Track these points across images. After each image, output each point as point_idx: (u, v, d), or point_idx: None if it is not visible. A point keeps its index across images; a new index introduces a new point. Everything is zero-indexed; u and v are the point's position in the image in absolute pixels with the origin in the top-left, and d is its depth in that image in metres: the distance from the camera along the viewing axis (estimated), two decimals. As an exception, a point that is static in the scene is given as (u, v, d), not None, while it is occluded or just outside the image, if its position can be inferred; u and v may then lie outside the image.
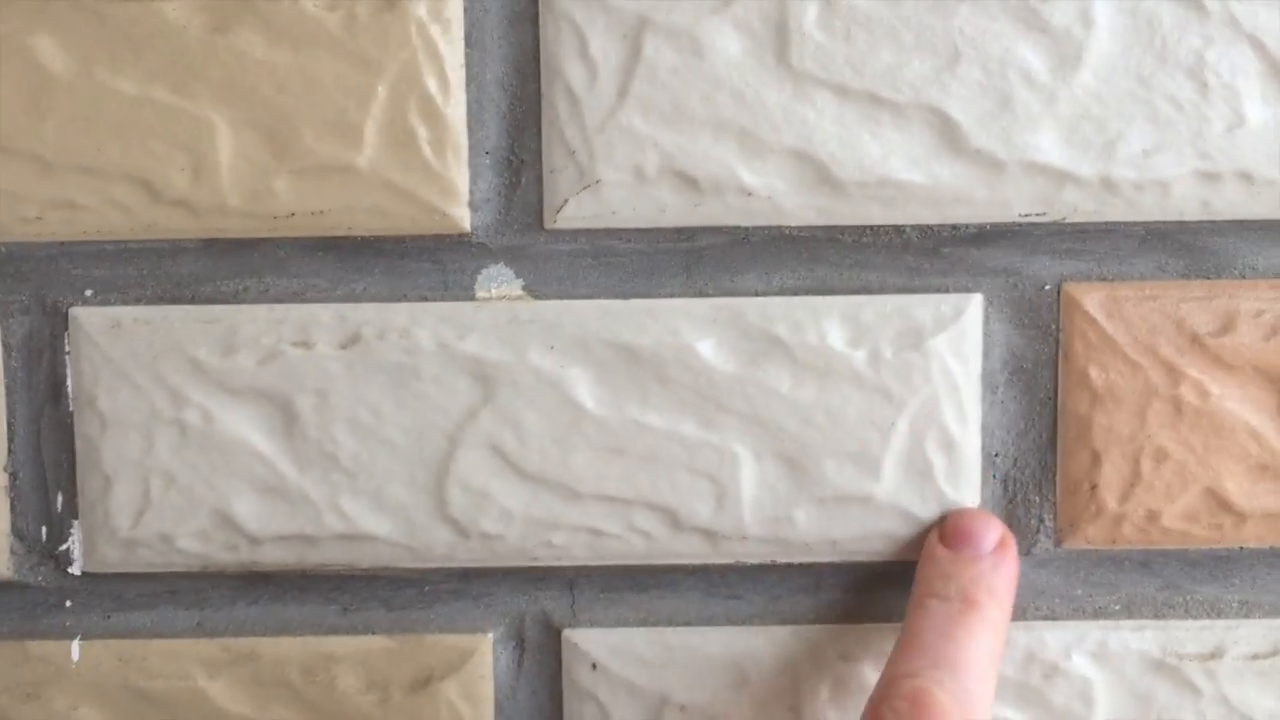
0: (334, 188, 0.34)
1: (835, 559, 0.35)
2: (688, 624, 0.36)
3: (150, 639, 0.36)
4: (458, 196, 0.34)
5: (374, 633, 0.36)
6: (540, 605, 0.36)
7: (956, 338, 0.34)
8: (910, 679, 0.31)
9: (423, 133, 0.34)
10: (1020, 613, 0.35)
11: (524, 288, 0.35)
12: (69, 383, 0.35)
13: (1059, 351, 0.35)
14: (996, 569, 0.34)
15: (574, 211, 0.34)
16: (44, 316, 0.35)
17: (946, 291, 0.35)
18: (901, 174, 0.34)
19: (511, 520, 0.35)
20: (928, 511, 0.35)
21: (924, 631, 0.32)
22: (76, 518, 0.35)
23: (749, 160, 0.34)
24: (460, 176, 0.34)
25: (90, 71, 0.34)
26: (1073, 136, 0.34)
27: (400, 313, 0.35)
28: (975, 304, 0.34)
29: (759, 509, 0.35)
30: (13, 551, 0.35)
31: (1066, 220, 0.34)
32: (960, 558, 0.34)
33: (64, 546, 0.36)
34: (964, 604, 0.33)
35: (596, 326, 0.34)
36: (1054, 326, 0.35)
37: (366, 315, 0.35)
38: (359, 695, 0.35)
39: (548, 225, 0.35)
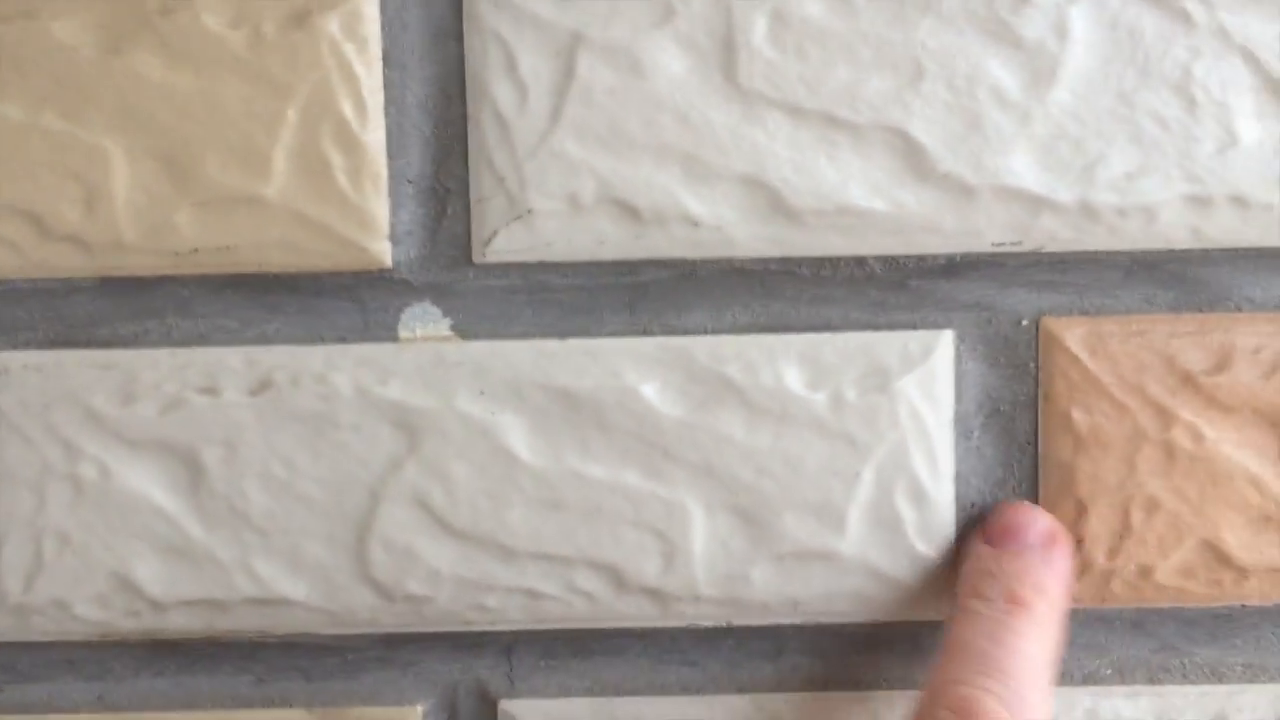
0: (241, 221, 0.34)
1: (797, 620, 0.36)
2: (636, 693, 0.36)
3: (46, 714, 0.36)
4: (378, 229, 0.34)
5: (292, 705, 0.36)
6: (474, 674, 0.36)
7: (926, 378, 0.35)
8: (956, 685, 0.31)
9: (338, 160, 0.34)
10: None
11: (452, 327, 0.35)
12: (-45, 435, 0.35)
13: (1039, 392, 0.35)
14: (1046, 564, 0.34)
15: (504, 244, 0.34)
16: (-74, 362, 0.35)
17: (914, 328, 0.35)
18: (862, 201, 0.34)
19: (440, 581, 0.35)
20: (897, 568, 0.35)
21: (969, 637, 0.33)
22: (-36, 582, 0.35)
23: (695, 187, 0.34)
24: (380, 207, 0.34)
25: (-28, 97, 0.34)
26: (1049, 159, 0.34)
27: (316, 356, 0.35)
28: (946, 341, 0.35)
29: (712, 567, 0.35)
30: (-104, 619, 0.36)
31: (1044, 249, 0.34)
32: (1005, 554, 0.34)
33: (-49, 613, 0.36)
34: (1011, 604, 0.33)
35: (531, 369, 0.35)
36: (1033, 365, 0.35)
37: (279, 359, 0.35)
38: (274, 775, 0.36)
39: (476, 259, 0.35)
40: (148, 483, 0.35)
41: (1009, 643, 0.32)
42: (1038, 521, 0.35)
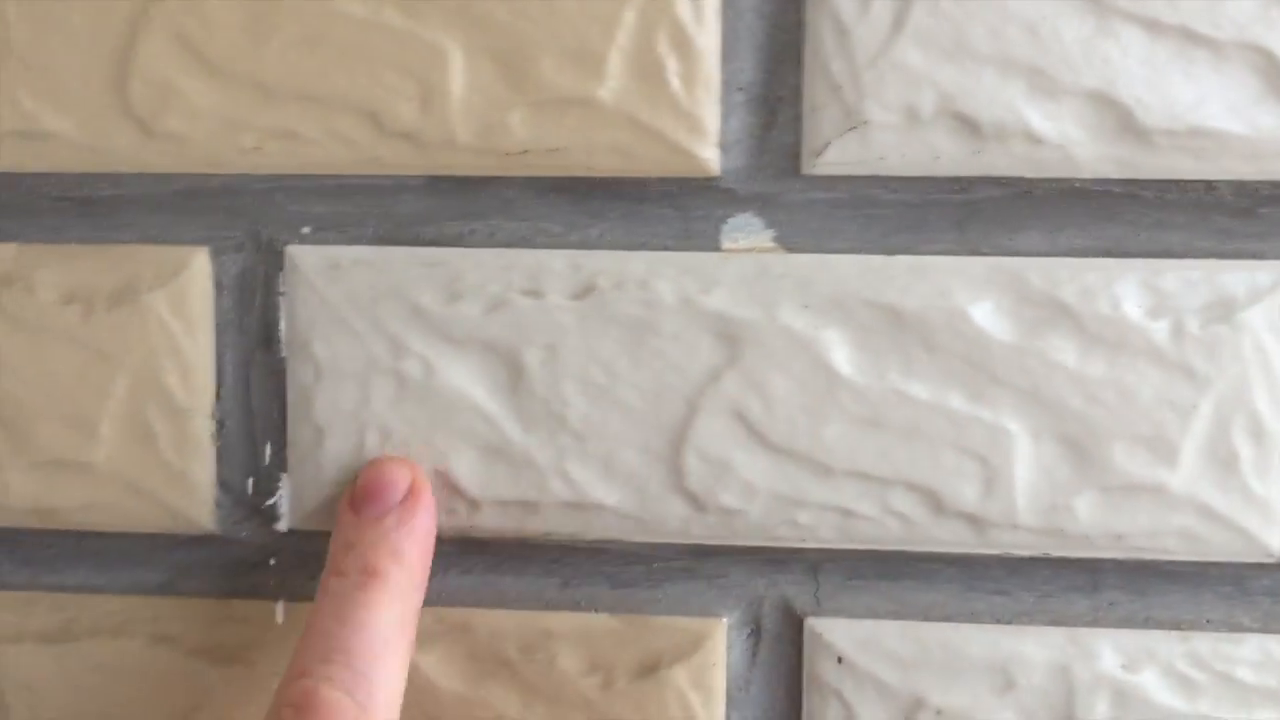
0: (572, 123, 0.35)
1: (1119, 555, 0.35)
2: (946, 619, 0.36)
3: (359, 604, 0.37)
4: (707, 136, 0.35)
5: (597, 610, 0.37)
6: (781, 590, 0.37)
7: (1273, 311, 0.34)
8: (300, 679, 0.31)
9: (672, 64, 0.34)
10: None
11: (775, 239, 0.35)
12: (282, 326, 0.37)
13: (1394, 330, 0.34)
14: (400, 526, 0.34)
15: (836, 156, 0.34)
16: (258, 254, 0.37)
17: (1263, 258, 0.34)
18: (1217, 122, 0.33)
19: (754, 495, 0.35)
20: (1230, 507, 0.34)
21: (318, 620, 0.33)
22: (285, 471, 0.37)
23: (1040, 102, 0.34)
24: (710, 114, 0.35)
25: (320, -8, 0.35)
26: None
27: (639, 262, 0.35)
28: (1297, 272, 0.34)
29: (1034, 495, 0.35)
30: (217, 504, 0.37)
31: None
32: (364, 521, 0.34)
33: (271, 501, 0.37)
34: (365, 575, 0.33)
35: (856, 285, 0.35)
36: (1390, 301, 0.34)
37: (602, 264, 0.35)
38: (581, 678, 0.37)
39: (805, 170, 0.35)
40: (469, 381, 0.36)
41: (357, 619, 0.32)
42: (398, 479, 0.34)
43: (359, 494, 0.35)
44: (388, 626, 0.33)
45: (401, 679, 0.33)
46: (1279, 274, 0.34)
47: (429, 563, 0.35)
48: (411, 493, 0.35)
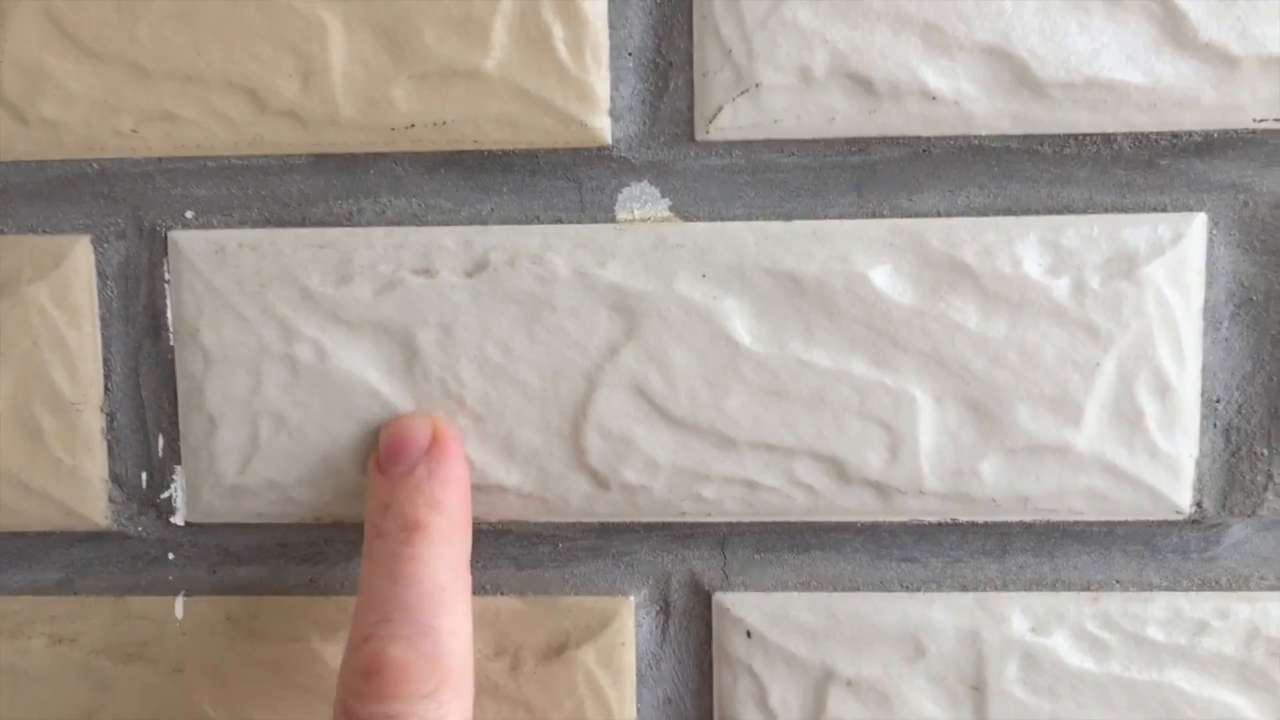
0: (459, 95, 0.33)
1: (1026, 518, 0.34)
2: (855, 589, 0.35)
3: (260, 596, 0.36)
4: (597, 104, 0.33)
5: (503, 593, 0.36)
6: (688, 565, 0.35)
7: (1175, 264, 0.33)
8: (365, 644, 0.30)
9: (558, 31, 0.33)
10: (1243, 582, 0.34)
11: (671, 208, 0.34)
12: (169, 314, 0.35)
13: (1296, 281, 0.33)
14: (433, 477, 0.32)
15: (730, 120, 0.33)
16: (141, 241, 0.35)
17: (1164, 210, 0.33)
18: (1115, 73, 0.32)
19: (657, 470, 0.34)
20: (1136, 465, 0.33)
21: (370, 582, 0.31)
22: (179, 463, 0.35)
23: (934, 59, 0.32)
24: (600, 81, 0.33)
25: (190, -34, 0.33)
26: (1322, 27, 0.31)
27: (533, 236, 0.34)
28: (1198, 225, 0.33)
29: (939, 460, 0.34)
30: (111, 499, 0.36)
31: (1311, 126, 0.32)
32: (393, 479, 0.33)
33: (166, 494, 0.36)
34: (406, 531, 0.31)
35: (754, 252, 0.33)
36: (1291, 251, 0.33)
37: (495, 239, 0.34)
38: (488, 661, 0.35)
39: (699, 136, 0.33)
40: (363, 364, 0.34)
41: (408, 574, 0.31)
42: (421, 431, 0.33)
43: (384, 454, 0.33)
44: (442, 574, 0.31)
45: (467, 625, 0.31)
46: (1180, 227, 0.33)
47: (469, 506, 0.33)
48: (435, 442, 0.33)
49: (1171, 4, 0.32)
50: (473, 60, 0.33)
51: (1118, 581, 0.35)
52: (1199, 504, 0.34)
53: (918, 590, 0.35)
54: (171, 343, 0.35)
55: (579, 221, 0.34)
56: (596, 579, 0.36)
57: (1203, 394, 0.33)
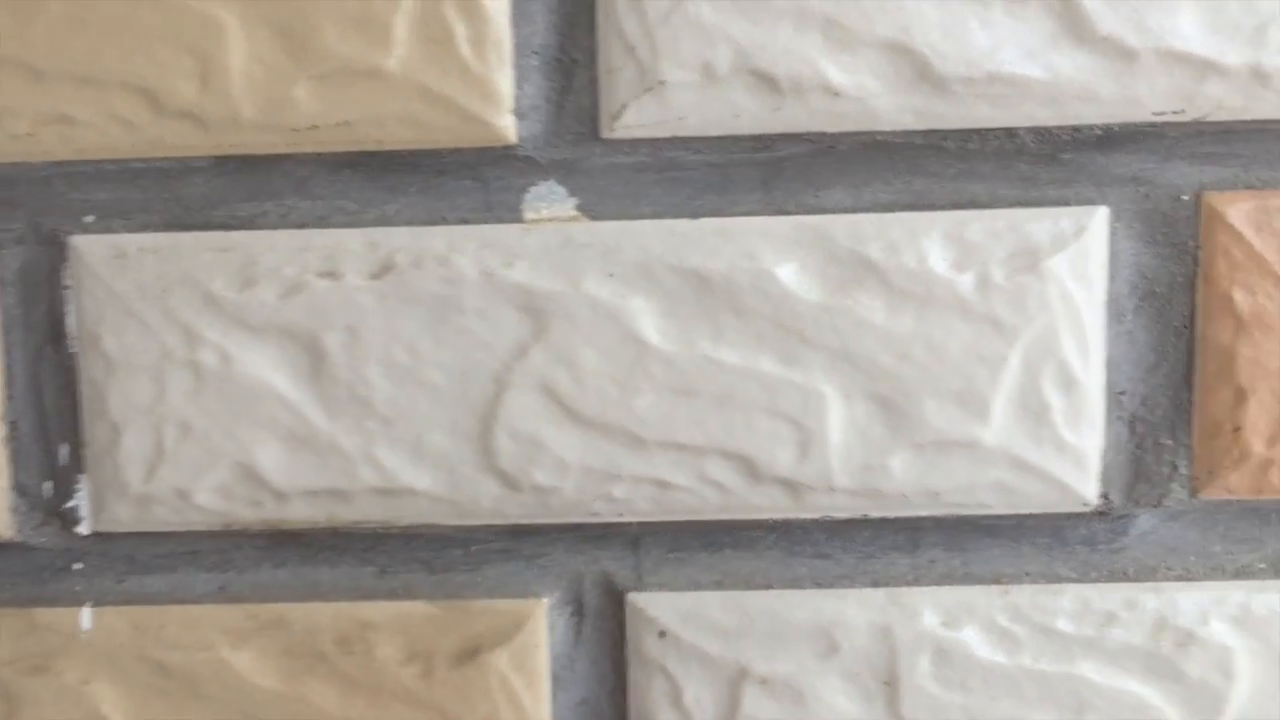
0: (361, 95, 0.33)
1: (936, 512, 0.34)
2: (768, 586, 0.35)
3: (168, 605, 0.36)
4: (501, 103, 0.33)
5: (415, 597, 0.35)
6: (601, 566, 0.35)
7: (1078, 257, 0.33)
8: None
9: (461, 29, 0.33)
10: (1150, 572, 0.34)
11: (578, 207, 0.34)
12: (70, 320, 0.34)
13: (1197, 273, 0.33)
14: None
15: (634, 118, 0.33)
16: (40, 246, 0.34)
17: (1067, 204, 0.33)
18: (1015, 67, 0.32)
19: (567, 471, 0.34)
20: (1043, 458, 0.33)
21: None
22: (83, 471, 0.35)
23: (836, 55, 0.32)
24: (504, 79, 0.33)
25: (83, -34, 0.32)
26: (1217, 20, 0.31)
27: (438, 238, 0.33)
28: (1100, 218, 0.33)
29: (849, 456, 0.33)
30: (14, 510, 0.35)
31: (1208, 118, 0.32)
32: None
33: (70, 503, 0.35)
34: None
35: (662, 250, 0.33)
36: (1192, 243, 0.33)
37: (400, 241, 0.33)
38: (400, 667, 0.35)
39: (604, 135, 0.33)
40: (268, 369, 0.34)
41: None
42: None
43: None
44: None
45: None
46: (1082, 220, 0.33)
47: None
48: None
49: (1069, -2, 0.32)
50: (374, 59, 0.33)
51: (1027, 574, 0.35)
52: (1105, 496, 0.34)
53: (830, 587, 0.35)
54: (73, 349, 0.34)
55: (485, 222, 0.34)
56: (509, 581, 0.35)
57: (1107, 386, 0.34)
